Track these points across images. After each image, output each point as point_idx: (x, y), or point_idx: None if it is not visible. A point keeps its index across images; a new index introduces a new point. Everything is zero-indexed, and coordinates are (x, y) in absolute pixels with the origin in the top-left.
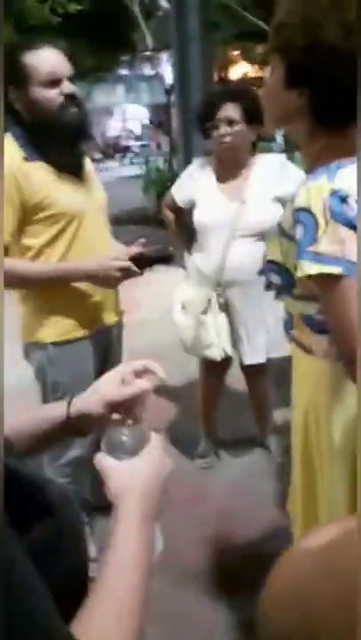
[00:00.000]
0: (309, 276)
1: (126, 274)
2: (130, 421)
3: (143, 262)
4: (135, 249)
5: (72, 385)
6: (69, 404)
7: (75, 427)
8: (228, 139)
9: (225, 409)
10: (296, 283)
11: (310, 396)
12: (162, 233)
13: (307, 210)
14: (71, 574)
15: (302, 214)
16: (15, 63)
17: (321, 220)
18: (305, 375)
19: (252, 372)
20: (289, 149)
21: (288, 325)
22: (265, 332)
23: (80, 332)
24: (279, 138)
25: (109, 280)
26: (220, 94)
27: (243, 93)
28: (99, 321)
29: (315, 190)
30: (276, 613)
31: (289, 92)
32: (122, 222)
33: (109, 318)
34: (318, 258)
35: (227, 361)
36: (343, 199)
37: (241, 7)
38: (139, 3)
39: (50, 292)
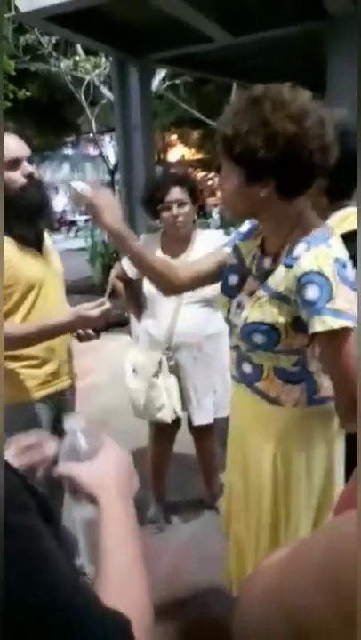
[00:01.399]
0: (319, 331)
1: (85, 337)
2: (83, 426)
3: (101, 326)
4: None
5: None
6: None
7: None
8: (180, 218)
9: (173, 473)
10: (281, 340)
11: (279, 443)
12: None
13: (318, 272)
14: None
15: (314, 276)
16: None
17: (333, 282)
18: (271, 424)
19: (200, 432)
20: (224, 225)
21: (253, 378)
22: (212, 393)
23: (36, 395)
24: (215, 215)
25: (91, 321)
26: (167, 179)
27: (186, 177)
28: (54, 385)
29: (322, 256)
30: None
31: (252, 187)
32: (68, 291)
33: (64, 382)
34: (337, 314)
35: (176, 422)
36: (344, 265)
37: (177, 97)
38: (84, 92)
39: (9, 358)
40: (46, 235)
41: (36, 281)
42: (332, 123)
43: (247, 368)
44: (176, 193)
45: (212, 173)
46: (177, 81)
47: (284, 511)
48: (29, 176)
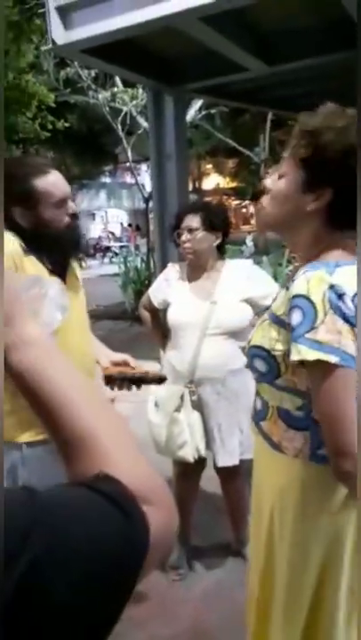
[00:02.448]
0: (301, 362)
1: (119, 386)
2: None
3: (134, 381)
4: (138, 369)
5: (41, 486)
6: None
7: None
8: (188, 244)
9: (198, 513)
10: (281, 372)
11: (277, 496)
12: (136, 328)
13: (306, 297)
14: None
15: (301, 301)
16: (26, 188)
17: (320, 309)
18: (272, 474)
19: (226, 473)
20: (257, 253)
21: (260, 416)
22: (238, 432)
23: None
24: (249, 242)
25: None
26: (185, 208)
27: (203, 205)
28: None
29: (315, 280)
30: None
31: (304, 195)
32: (100, 317)
33: None
34: (316, 345)
35: (201, 462)
36: (340, 295)
37: (212, 127)
38: (121, 122)
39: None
40: (75, 265)
41: None
42: None
43: (258, 404)
44: (187, 220)
45: (247, 201)
46: (212, 111)
47: (279, 578)
48: (73, 215)
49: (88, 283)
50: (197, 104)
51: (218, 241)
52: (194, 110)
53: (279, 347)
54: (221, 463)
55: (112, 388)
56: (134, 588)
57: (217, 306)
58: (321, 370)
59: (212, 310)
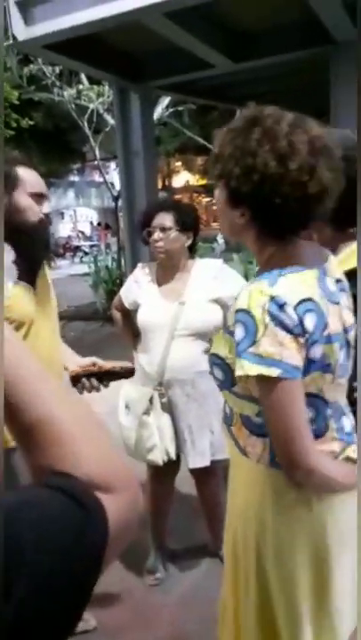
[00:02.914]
0: (248, 376)
1: (89, 388)
2: None
3: (107, 377)
4: (106, 366)
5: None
6: None
7: None
8: (160, 243)
9: (175, 514)
10: (236, 380)
11: (243, 500)
12: (108, 328)
13: (247, 311)
14: None
15: (242, 315)
16: (5, 169)
17: (260, 323)
18: (240, 477)
19: (199, 475)
20: (229, 250)
21: (228, 421)
22: (209, 433)
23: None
24: (220, 239)
25: None
26: (155, 206)
27: (175, 204)
28: None
29: (255, 293)
30: None
31: (233, 211)
32: (71, 318)
33: None
34: (258, 359)
35: (174, 464)
36: (281, 306)
37: (180, 124)
38: (88, 120)
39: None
40: (46, 269)
41: (27, 318)
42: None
43: (227, 409)
44: (159, 218)
45: None
46: (180, 108)
47: (242, 580)
48: (46, 215)
49: (58, 283)
50: (165, 101)
51: (189, 241)
52: (161, 108)
53: (231, 355)
54: (192, 465)
55: (81, 392)
56: (97, 580)
57: (185, 306)
58: (265, 383)
59: (180, 311)
